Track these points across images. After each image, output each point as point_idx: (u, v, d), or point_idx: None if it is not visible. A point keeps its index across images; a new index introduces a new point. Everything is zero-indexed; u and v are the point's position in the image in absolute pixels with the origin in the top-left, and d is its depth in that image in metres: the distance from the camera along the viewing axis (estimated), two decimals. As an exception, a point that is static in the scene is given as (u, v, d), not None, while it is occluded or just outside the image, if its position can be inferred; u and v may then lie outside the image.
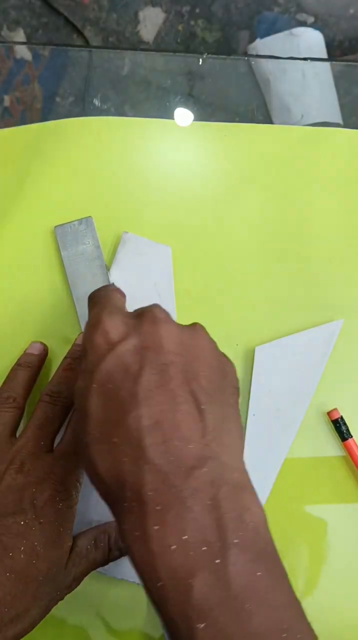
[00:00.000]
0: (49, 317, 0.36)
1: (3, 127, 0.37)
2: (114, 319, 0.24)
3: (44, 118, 0.38)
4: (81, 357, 0.24)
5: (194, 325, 0.25)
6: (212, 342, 0.25)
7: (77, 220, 0.35)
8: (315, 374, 0.34)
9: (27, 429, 0.30)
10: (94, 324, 0.24)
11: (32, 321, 0.36)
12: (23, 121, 0.38)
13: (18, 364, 0.33)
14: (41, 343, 0.34)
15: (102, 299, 0.27)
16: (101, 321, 0.24)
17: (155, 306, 0.25)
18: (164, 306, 0.26)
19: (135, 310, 0.26)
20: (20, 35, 1.07)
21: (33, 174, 0.37)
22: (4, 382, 0.33)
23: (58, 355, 0.35)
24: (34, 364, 0.33)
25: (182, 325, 0.25)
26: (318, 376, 0.34)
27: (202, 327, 0.25)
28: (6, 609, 0.24)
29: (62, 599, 0.28)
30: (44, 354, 0.34)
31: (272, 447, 0.34)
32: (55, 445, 0.30)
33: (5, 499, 0.27)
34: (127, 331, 0.23)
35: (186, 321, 0.35)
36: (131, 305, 0.33)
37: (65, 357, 0.33)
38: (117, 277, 0.35)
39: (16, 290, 0.36)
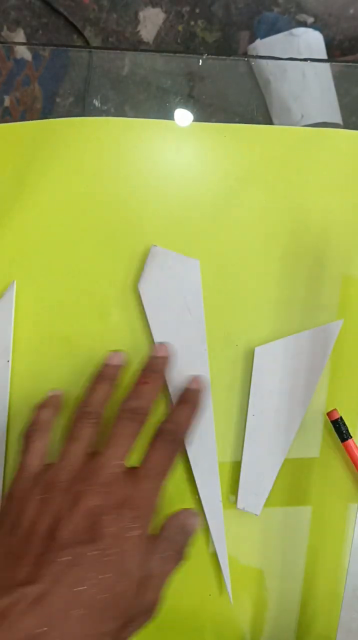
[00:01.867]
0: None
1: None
2: None
3: (44, 118, 0.38)
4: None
5: None
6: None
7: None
8: (315, 375, 0.34)
9: (107, 447, 0.28)
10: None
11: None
12: (23, 121, 0.38)
13: (100, 377, 0.32)
14: (119, 352, 0.33)
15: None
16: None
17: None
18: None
19: None
20: (20, 35, 1.07)
21: (32, 173, 0.37)
22: (85, 396, 0.31)
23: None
24: (113, 376, 0.32)
25: None
26: (318, 377, 0.34)
27: None
28: None
29: (142, 626, 0.26)
30: (122, 365, 0.33)
31: (272, 447, 0.34)
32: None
33: (82, 524, 0.25)
34: None
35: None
36: (162, 320, 0.34)
37: (142, 370, 0.32)
38: (145, 291, 0.35)
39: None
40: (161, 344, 0.33)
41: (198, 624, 0.33)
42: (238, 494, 0.33)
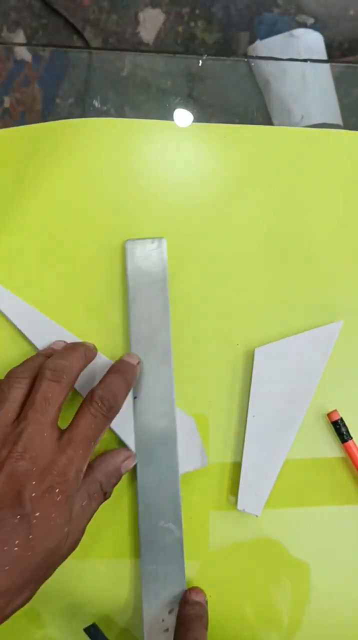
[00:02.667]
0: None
1: (2, 128, 0.37)
2: None
3: (43, 119, 0.38)
4: None
5: None
6: None
7: (150, 238, 0.35)
8: (315, 376, 0.34)
9: (27, 411, 0.28)
10: None
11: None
12: (23, 122, 0.38)
13: (39, 353, 0.33)
14: (64, 342, 0.34)
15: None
16: None
17: None
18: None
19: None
20: (20, 36, 1.07)
21: (32, 174, 0.37)
22: (21, 364, 0.31)
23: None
24: (48, 354, 0.32)
25: None
26: (318, 377, 0.34)
27: None
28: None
29: (64, 559, 0.28)
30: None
31: (272, 448, 0.34)
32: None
33: (5, 488, 0.26)
34: None
35: (186, 323, 0.35)
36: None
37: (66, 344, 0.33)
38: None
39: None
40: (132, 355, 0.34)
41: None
42: (239, 495, 0.33)
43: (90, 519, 0.29)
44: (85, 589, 0.30)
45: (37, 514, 0.26)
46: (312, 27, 1.05)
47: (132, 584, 0.33)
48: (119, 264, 0.36)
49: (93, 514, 0.29)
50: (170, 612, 0.31)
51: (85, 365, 0.32)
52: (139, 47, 1.06)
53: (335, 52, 1.05)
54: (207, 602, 0.32)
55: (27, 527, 0.25)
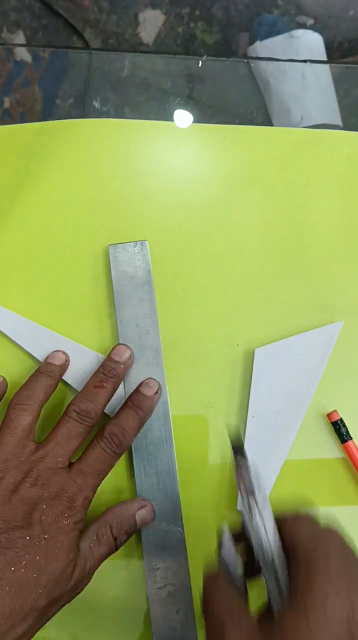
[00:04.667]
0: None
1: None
2: None
3: (43, 120, 0.38)
4: None
5: None
6: None
7: (133, 242, 0.35)
8: (315, 376, 0.34)
9: (48, 442, 0.30)
10: None
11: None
12: (23, 123, 0.38)
13: (39, 372, 0.33)
14: (63, 352, 0.34)
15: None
16: None
17: None
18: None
19: None
20: (20, 37, 1.07)
21: (32, 174, 0.37)
22: (24, 384, 0.32)
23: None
24: (54, 374, 0.33)
25: None
26: (318, 378, 0.34)
27: None
28: (2, 621, 0.25)
29: (69, 601, 0.28)
30: (65, 365, 0.34)
31: (272, 449, 0.34)
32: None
33: (16, 511, 0.27)
34: None
35: (186, 323, 0.35)
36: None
37: (97, 372, 0.33)
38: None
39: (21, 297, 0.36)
40: (123, 346, 0.34)
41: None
42: (239, 495, 0.33)
43: (98, 564, 0.29)
44: (86, 590, 0.30)
45: (46, 536, 0.27)
46: (312, 27, 1.05)
47: (133, 584, 0.33)
48: (118, 264, 0.36)
49: (101, 559, 0.29)
50: (177, 612, 0.32)
51: (111, 397, 0.32)
52: (138, 47, 1.07)
53: (335, 52, 1.06)
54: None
55: (36, 549, 0.26)
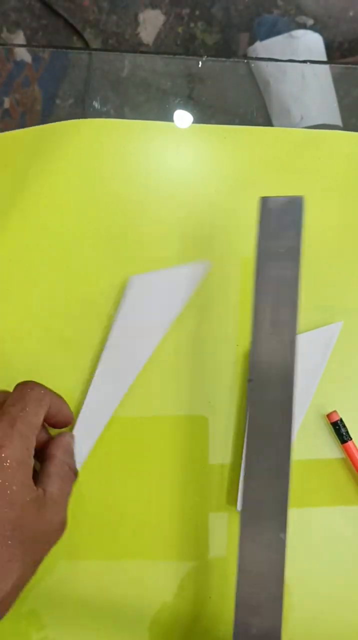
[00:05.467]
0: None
1: (2, 129, 0.37)
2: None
3: (43, 120, 0.38)
4: None
5: None
6: None
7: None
8: (314, 377, 0.34)
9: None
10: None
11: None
12: (23, 123, 0.38)
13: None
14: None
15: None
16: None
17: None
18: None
19: None
20: (20, 37, 1.07)
21: (32, 174, 0.37)
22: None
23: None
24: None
25: None
26: (318, 378, 0.34)
27: None
28: None
29: (56, 542, 0.29)
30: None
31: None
32: None
33: None
34: None
35: (185, 322, 0.35)
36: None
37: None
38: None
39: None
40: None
41: (198, 628, 0.33)
42: (239, 495, 0.33)
43: (68, 501, 0.30)
44: (86, 590, 0.30)
45: None
46: (312, 28, 1.05)
47: (132, 585, 0.33)
48: (118, 264, 0.36)
49: (69, 495, 0.30)
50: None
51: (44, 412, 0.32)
52: (138, 48, 1.07)
53: (335, 53, 1.06)
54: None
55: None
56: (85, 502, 0.33)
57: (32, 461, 0.28)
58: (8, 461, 0.27)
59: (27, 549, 0.26)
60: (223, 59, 0.39)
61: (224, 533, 0.34)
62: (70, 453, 0.32)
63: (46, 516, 0.27)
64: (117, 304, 0.36)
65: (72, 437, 0.33)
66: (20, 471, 0.27)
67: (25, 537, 0.26)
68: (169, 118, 0.38)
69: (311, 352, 0.34)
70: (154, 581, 0.33)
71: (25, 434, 0.28)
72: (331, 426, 0.34)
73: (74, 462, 0.31)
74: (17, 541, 0.26)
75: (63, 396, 0.33)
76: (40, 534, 0.27)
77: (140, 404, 0.35)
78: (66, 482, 0.30)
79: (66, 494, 0.30)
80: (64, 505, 0.29)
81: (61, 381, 0.34)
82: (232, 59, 0.39)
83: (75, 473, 0.31)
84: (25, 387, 0.30)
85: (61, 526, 0.29)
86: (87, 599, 0.32)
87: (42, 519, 0.27)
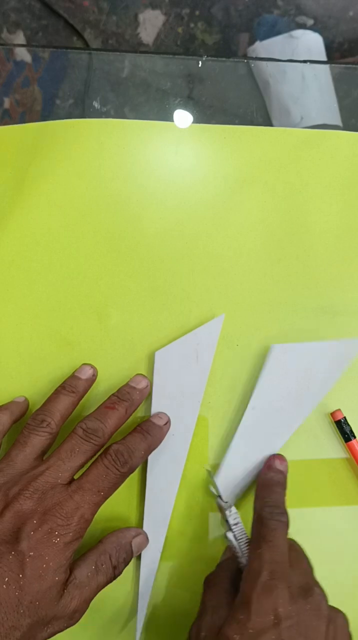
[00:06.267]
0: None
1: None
2: None
3: (43, 120, 0.38)
4: None
5: None
6: None
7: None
8: (325, 385, 0.34)
9: (51, 457, 0.29)
10: None
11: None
12: (22, 123, 0.38)
13: (62, 387, 0.33)
14: (92, 367, 0.34)
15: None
16: None
17: None
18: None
19: None
20: (20, 37, 1.07)
21: (32, 174, 0.37)
22: (44, 404, 0.32)
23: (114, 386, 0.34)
24: (78, 390, 0.33)
25: None
26: (329, 387, 0.34)
27: None
28: None
29: (61, 631, 0.27)
30: (92, 380, 0.34)
31: (262, 444, 0.34)
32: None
33: (6, 524, 0.27)
34: None
35: (186, 323, 0.35)
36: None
37: (112, 395, 0.32)
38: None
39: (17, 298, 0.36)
40: (140, 375, 0.34)
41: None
42: (216, 480, 0.33)
43: (96, 593, 0.28)
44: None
45: (32, 553, 0.26)
46: (312, 28, 1.05)
47: (131, 584, 0.33)
48: (118, 264, 0.36)
49: (99, 588, 0.29)
50: None
51: (123, 423, 0.32)
52: (138, 48, 1.07)
53: (335, 53, 1.06)
54: (287, 469, 0.33)
55: (20, 566, 0.25)
56: (111, 504, 0.33)
57: (78, 543, 0.28)
58: (58, 540, 0.27)
59: (33, 624, 0.26)
60: (223, 59, 0.39)
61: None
62: (120, 548, 0.30)
63: (62, 600, 0.27)
64: (116, 304, 0.36)
65: (134, 534, 0.32)
66: (62, 551, 0.27)
67: (37, 613, 0.26)
68: (169, 118, 0.38)
69: (328, 362, 0.34)
70: (154, 581, 0.33)
71: (85, 525, 0.28)
72: (335, 425, 0.34)
73: (120, 557, 0.30)
74: (28, 614, 0.25)
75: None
76: (50, 617, 0.26)
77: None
78: (101, 574, 0.29)
79: (96, 585, 0.28)
80: (86, 595, 0.28)
81: (61, 381, 0.34)
82: (231, 59, 0.39)
83: (114, 568, 0.29)
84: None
85: (73, 614, 0.27)
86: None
87: (57, 602, 0.26)
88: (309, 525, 0.34)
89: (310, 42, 0.86)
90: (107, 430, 0.30)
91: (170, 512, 0.33)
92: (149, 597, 0.33)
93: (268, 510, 0.30)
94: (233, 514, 0.31)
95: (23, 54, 0.40)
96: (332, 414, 0.34)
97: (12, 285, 0.36)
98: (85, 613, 0.28)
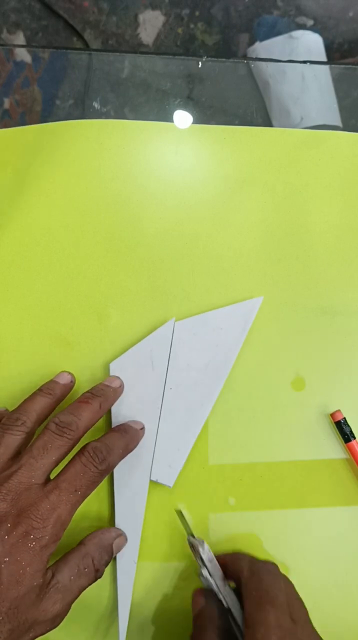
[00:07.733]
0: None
1: (2, 128, 0.37)
2: None
3: (43, 121, 0.38)
4: None
5: None
6: None
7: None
8: (233, 349, 0.34)
9: (23, 456, 0.28)
10: None
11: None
12: (22, 124, 0.38)
13: (39, 390, 0.32)
14: (70, 374, 0.34)
15: None
16: None
17: None
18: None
19: None
20: (20, 38, 1.07)
21: (32, 175, 0.37)
22: (19, 405, 0.31)
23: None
24: (55, 392, 0.32)
25: None
26: (236, 352, 0.34)
27: None
28: None
29: (44, 634, 0.26)
30: (69, 386, 0.33)
31: (188, 420, 0.34)
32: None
33: None
34: None
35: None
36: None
37: (85, 392, 0.32)
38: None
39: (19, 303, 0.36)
40: (114, 376, 0.34)
41: None
42: (153, 465, 0.33)
43: (77, 596, 0.28)
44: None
45: (7, 559, 0.25)
46: (312, 28, 1.05)
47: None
48: (118, 264, 0.36)
49: (81, 590, 0.28)
50: None
51: (97, 419, 0.31)
52: (138, 48, 1.07)
53: (335, 53, 1.06)
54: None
55: None
56: (84, 503, 0.33)
57: (55, 545, 0.26)
58: (34, 543, 0.25)
59: (14, 629, 0.25)
60: (223, 60, 0.39)
61: (224, 533, 0.34)
62: (102, 549, 0.30)
63: (42, 604, 0.26)
64: (116, 304, 0.36)
65: (115, 535, 0.31)
66: (39, 555, 0.26)
67: (17, 619, 0.25)
68: (169, 118, 0.38)
69: (230, 326, 0.35)
70: (154, 581, 0.33)
71: (62, 526, 0.27)
72: (334, 425, 0.34)
73: (102, 559, 0.29)
74: (7, 620, 0.24)
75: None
76: (31, 622, 0.25)
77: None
78: (83, 577, 0.28)
79: (77, 587, 0.27)
80: (68, 598, 0.27)
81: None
82: (231, 60, 0.39)
83: (97, 571, 0.29)
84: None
85: (54, 618, 0.26)
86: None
87: (37, 606, 0.25)
88: (309, 525, 0.34)
89: (310, 43, 0.86)
90: (81, 423, 0.29)
91: (143, 512, 0.33)
92: (131, 597, 0.33)
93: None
94: (206, 551, 0.30)
95: (23, 55, 0.40)
96: (332, 415, 0.34)
97: (12, 285, 0.36)
98: (69, 617, 0.27)
